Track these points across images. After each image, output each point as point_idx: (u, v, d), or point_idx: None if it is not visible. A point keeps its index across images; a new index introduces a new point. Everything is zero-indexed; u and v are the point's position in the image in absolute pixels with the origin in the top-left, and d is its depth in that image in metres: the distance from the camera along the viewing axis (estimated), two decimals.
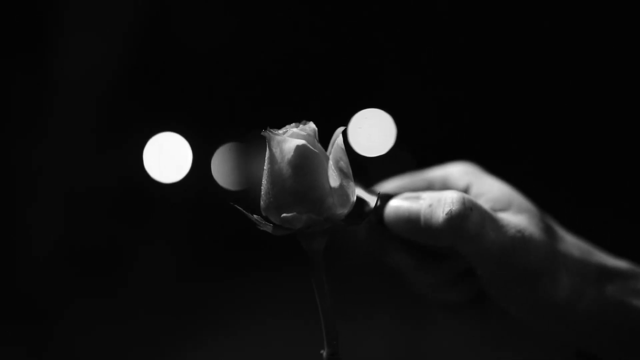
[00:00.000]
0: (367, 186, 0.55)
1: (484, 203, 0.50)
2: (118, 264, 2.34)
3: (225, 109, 2.68)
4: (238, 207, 0.44)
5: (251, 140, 2.75)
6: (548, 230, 0.51)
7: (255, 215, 0.43)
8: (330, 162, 0.42)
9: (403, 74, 2.50)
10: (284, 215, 0.41)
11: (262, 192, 0.42)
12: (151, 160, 2.61)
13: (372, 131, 2.52)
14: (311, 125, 0.43)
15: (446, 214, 0.45)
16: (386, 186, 0.55)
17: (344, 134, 0.43)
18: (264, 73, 2.58)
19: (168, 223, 2.59)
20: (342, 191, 0.42)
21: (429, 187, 0.56)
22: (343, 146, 0.43)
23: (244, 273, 2.41)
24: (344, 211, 0.42)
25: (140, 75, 2.49)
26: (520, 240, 0.47)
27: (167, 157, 2.65)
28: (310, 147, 0.41)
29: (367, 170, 2.42)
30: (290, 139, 0.41)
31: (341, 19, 2.48)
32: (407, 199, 0.49)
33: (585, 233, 0.58)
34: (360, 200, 0.50)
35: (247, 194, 2.75)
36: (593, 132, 2.32)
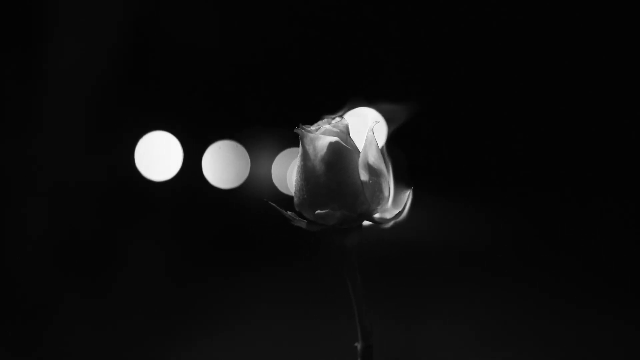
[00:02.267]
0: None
1: None
2: (107, 262, 2.33)
3: (216, 108, 2.68)
4: (272, 204, 0.44)
5: (242, 139, 2.74)
6: None
7: (289, 212, 0.44)
8: (363, 159, 0.42)
9: (394, 72, 2.50)
10: (318, 211, 0.41)
11: (296, 189, 0.43)
12: (142, 159, 2.60)
13: (362, 132, 2.51)
14: (344, 122, 0.43)
15: None
16: None
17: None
18: (254, 71, 2.58)
19: (158, 221, 2.58)
20: (375, 187, 0.42)
21: None
22: (376, 142, 0.43)
23: (234, 272, 2.41)
24: (377, 207, 0.43)
25: (132, 74, 2.48)
26: None
27: (157, 155, 2.64)
28: (343, 143, 0.42)
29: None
30: (324, 136, 0.41)
31: (331, 17, 2.48)
32: None
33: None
34: (394, 196, 0.50)
35: (238, 192, 2.74)
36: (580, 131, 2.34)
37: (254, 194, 2.65)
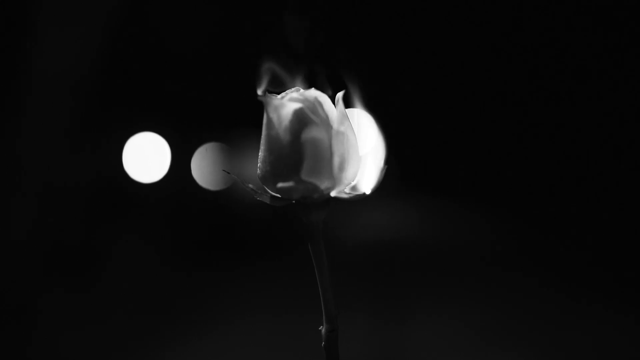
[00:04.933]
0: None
1: None
2: (93, 263, 2.31)
3: (205, 109, 2.66)
4: (233, 176, 0.42)
5: (231, 140, 2.72)
6: None
7: (250, 185, 0.41)
8: (333, 130, 0.39)
9: (384, 74, 2.49)
10: (281, 184, 0.39)
11: (259, 160, 0.40)
12: (130, 160, 2.58)
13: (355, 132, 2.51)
14: (313, 92, 0.40)
15: None
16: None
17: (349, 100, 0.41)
18: (243, 72, 2.56)
19: (147, 222, 2.56)
20: (343, 160, 0.39)
21: None
22: (345, 113, 0.40)
23: (221, 272, 2.40)
24: (346, 182, 0.40)
25: (119, 75, 2.46)
26: None
27: (146, 156, 2.62)
28: (309, 112, 0.39)
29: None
30: (289, 102, 0.39)
31: (320, 18, 2.46)
32: None
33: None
34: (365, 171, 0.47)
35: (227, 194, 2.72)
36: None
37: (242, 196, 2.63)
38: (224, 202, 2.70)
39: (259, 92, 0.40)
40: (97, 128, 2.41)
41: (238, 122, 2.53)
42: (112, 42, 2.34)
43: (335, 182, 0.39)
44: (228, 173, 0.42)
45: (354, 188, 0.41)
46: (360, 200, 0.42)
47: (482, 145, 2.47)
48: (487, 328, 1.81)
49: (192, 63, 2.56)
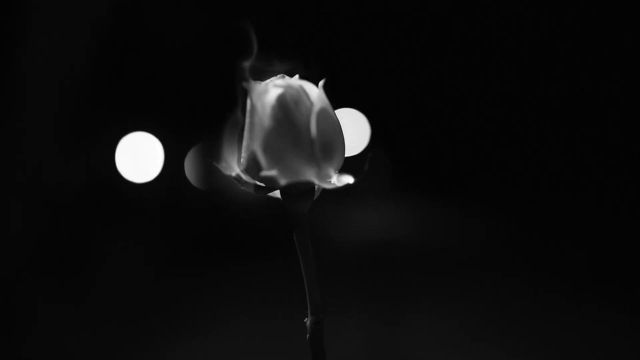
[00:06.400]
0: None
1: None
2: (87, 264, 2.30)
3: (199, 109, 2.65)
4: (216, 165, 0.40)
5: (223, 140, 2.71)
6: None
7: (234, 174, 0.40)
8: (315, 117, 0.38)
9: (378, 74, 2.49)
10: (264, 173, 0.38)
11: (243, 149, 0.39)
12: (123, 160, 2.57)
13: (347, 131, 2.51)
14: (297, 79, 0.39)
15: None
16: None
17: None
18: (236, 72, 2.55)
19: (140, 222, 2.55)
20: (327, 149, 0.38)
21: None
22: (327, 101, 0.39)
23: (214, 272, 2.39)
24: (331, 170, 0.39)
25: (113, 75, 2.45)
26: None
27: (139, 156, 2.61)
28: (293, 99, 0.38)
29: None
30: (273, 89, 0.38)
31: (315, 18, 2.46)
32: None
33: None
34: (349, 159, 0.46)
35: (220, 194, 2.72)
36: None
37: (235, 196, 2.62)
38: (218, 202, 2.69)
39: (243, 78, 0.39)
40: (89, 128, 2.40)
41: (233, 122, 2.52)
42: (104, 41, 2.33)
43: (319, 170, 0.38)
44: (212, 162, 0.41)
45: (338, 177, 0.40)
46: (346, 191, 0.41)
47: (478, 145, 2.47)
48: (480, 328, 1.81)
49: (185, 62, 2.56)
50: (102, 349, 1.77)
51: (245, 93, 0.39)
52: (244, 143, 0.39)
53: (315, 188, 0.40)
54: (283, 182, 0.38)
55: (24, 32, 2.18)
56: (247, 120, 0.39)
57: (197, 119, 2.65)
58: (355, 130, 2.50)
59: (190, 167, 2.73)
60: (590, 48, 2.23)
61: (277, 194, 0.40)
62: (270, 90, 0.38)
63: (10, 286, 2.03)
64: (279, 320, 1.88)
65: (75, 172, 2.35)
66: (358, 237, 2.53)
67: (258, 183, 0.39)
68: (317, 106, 0.39)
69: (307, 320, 0.40)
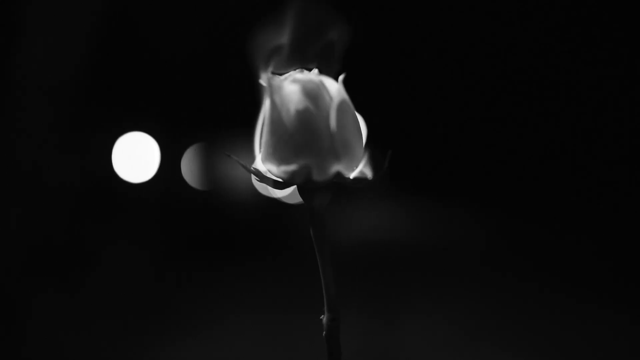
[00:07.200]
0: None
1: None
2: (83, 263, 2.29)
3: (195, 110, 2.65)
4: (234, 158, 0.40)
5: (219, 141, 2.71)
6: None
7: (254, 167, 0.39)
8: (335, 112, 0.38)
9: (375, 74, 2.49)
10: (284, 168, 0.37)
11: (262, 143, 0.39)
12: (119, 160, 2.56)
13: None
14: (316, 73, 0.39)
15: None
16: None
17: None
18: (233, 73, 2.55)
19: (136, 222, 2.54)
20: (347, 145, 0.38)
21: None
22: (347, 97, 0.39)
23: (211, 272, 2.40)
24: (350, 167, 0.39)
25: (109, 75, 2.44)
26: None
27: (135, 156, 2.60)
28: (313, 93, 0.38)
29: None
30: (292, 84, 0.38)
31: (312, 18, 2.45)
32: None
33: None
34: (370, 156, 0.46)
35: (217, 194, 2.72)
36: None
37: (232, 195, 2.62)
38: (214, 202, 2.69)
39: (262, 73, 0.38)
40: (86, 128, 2.40)
41: (228, 122, 2.53)
42: (101, 43, 2.33)
43: (338, 166, 0.38)
44: (229, 156, 0.41)
45: (357, 173, 0.40)
46: (364, 186, 0.40)
47: (477, 146, 2.47)
48: (480, 328, 1.81)
49: (181, 63, 2.55)
50: (100, 346, 1.77)
51: (265, 88, 0.38)
52: (263, 138, 0.39)
53: (334, 183, 0.40)
54: (302, 177, 0.38)
55: (20, 32, 2.17)
56: (266, 114, 0.39)
57: (193, 119, 2.65)
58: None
59: (186, 167, 2.72)
60: (590, 48, 2.24)
61: (295, 189, 0.40)
62: (289, 85, 0.38)
63: (9, 286, 2.03)
64: (278, 320, 1.88)
65: (72, 172, 2.35)
66: (358, 237, 2.53)
67: (276, 178, 0.39)
68: (336, 101, 0.38)
69: (324, 317, 0.39)
